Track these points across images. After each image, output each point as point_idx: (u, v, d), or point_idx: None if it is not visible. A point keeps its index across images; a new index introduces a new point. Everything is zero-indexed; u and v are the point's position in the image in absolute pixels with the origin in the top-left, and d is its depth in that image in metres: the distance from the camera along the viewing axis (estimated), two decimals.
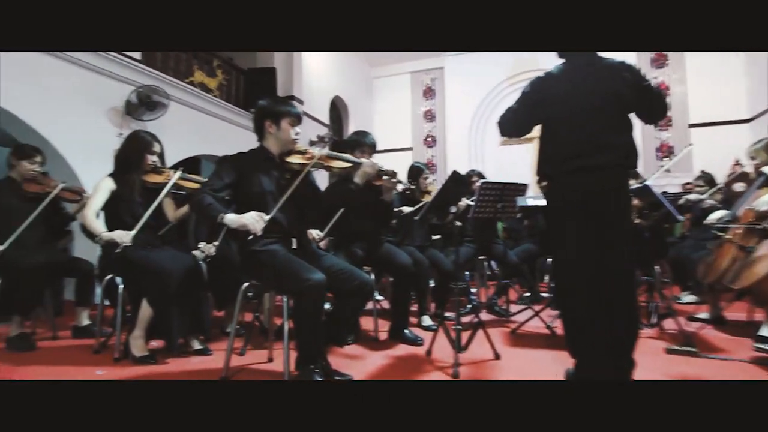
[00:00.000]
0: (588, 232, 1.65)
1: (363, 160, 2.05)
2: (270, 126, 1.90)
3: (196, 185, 2.38)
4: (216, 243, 2.71)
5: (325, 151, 2.01)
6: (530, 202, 2.58)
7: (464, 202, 2.81)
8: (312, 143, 7.19)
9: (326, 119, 7.99)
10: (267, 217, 1.70)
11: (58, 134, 3.72)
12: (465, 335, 2.10)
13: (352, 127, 8.80)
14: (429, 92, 9.62)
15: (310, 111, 7.36)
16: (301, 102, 7.04)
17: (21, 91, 3.44)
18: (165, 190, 2.25)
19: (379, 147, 9.66)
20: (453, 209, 2.05)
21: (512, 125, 1.89)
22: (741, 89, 7.05)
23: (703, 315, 2.93)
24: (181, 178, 2.34)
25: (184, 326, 2.15)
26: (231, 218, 1.68)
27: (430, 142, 9.51)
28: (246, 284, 1.83)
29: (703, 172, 4.48)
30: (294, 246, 1.87)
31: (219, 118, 5.75)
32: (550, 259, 3.51)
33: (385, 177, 2.04)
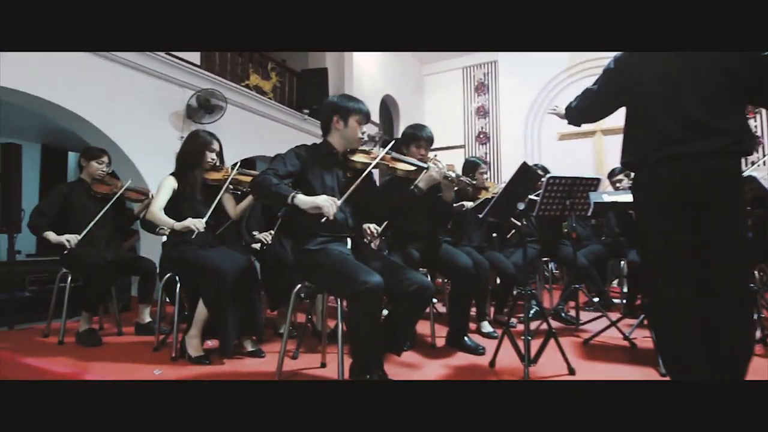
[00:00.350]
0: (689, 231, 1.40)
1: (430, 164, 1.92)
2: (337, 122, 1.82)
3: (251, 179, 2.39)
4: (272, 231, 2.71)
5: (391, 153, 1.90)
6: (606, 198, 2.30)
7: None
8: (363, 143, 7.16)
9: (376, 118, 7.94)
10: (339, 202, 1.62)
11: (125, 137, 3.90)
12: (533, 345, 1.90)
13: (402, 126, 8.69)
14: (481, 87, 9.30)
15: None
16: None
17: (91, 97, 3.64)
18: (225, 185, 2.27)
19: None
20: (521, 206, 1.86)
21: (589, 109, 1.66)
22: None
23: None
24: (239, 173, 2.34)
25: (238, 327, 2.11)
26: (303, 199, 1.60)
27: (483, 138, 9.19)
28: (299, 286, 1.75)
29: None
30: (349, 245, 1.77)
31: (273, 120, 5.84)
32: (624, 263, 3.20)
33: (452, 182, 1.91)
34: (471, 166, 2.98)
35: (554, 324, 2.92)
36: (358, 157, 1.85)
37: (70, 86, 3.50)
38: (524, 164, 1.82)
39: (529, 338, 1.78)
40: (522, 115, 8.52)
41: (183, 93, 4.45)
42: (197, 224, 2.11)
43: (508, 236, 3.94)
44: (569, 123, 1.76)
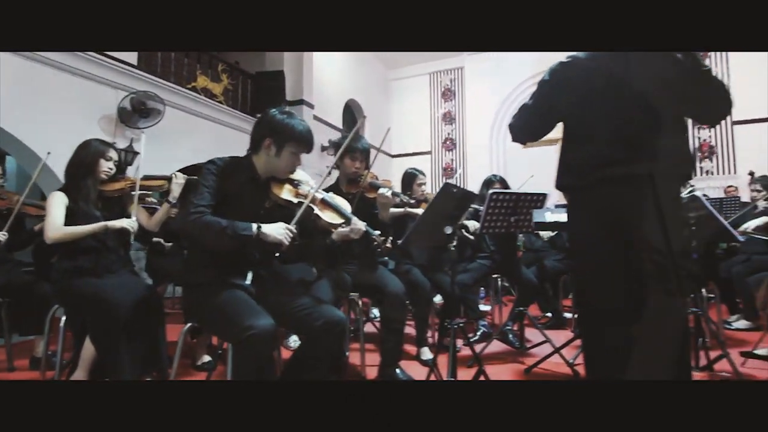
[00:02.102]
0: (623, 257, 1.27)
1: (354, 221, 1.65)
2: (269, 146, 1.52)
3: (162, 182, 2.17)
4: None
5: (321, 194, 1.64)
6: (549, 217, 2.16)
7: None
8: (323, 149, 6.93)
9: (339, 123, 7.72)
10: (293, 228, 1.45)
11: (44, 144, 3.52)
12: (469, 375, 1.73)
13: (368, 131, 8.50)
14: (448, 93, 9.25)
15: (322, 115, 7.10)
16: (311, 106, 6.78)
17: (3, 98, 3.28)
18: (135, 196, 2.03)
19: (396, 151, 9.23)
20: (448, 230, 1.67)
21: (527, 127, 1.53)
22: None
23: (763, 351, 2.42)
24: (145, 179, 2.10)
25: (136, 365, 1.84)
26: (268, 231, 1.41)
27: (450, 145, 9.13)
28: (188, 325, 1.51)
29: (752, 174, 3.91)
30: (249, 279, 1.52)
31: (224, 125, 5.55)
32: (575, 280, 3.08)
33: (374, 243, 1.69)
34: (409, 178, 2.80)
35: (500, 347, 2.78)
36: (283, 192, 1.56)
37: None
38: (445, 185, 1.64)
39: (453, 380, 1.60)
40: (488, 122, 8.50)
41: (116, 95, 4.11)
42: (132, 224, 1.92)
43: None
44: (513, 141, 1.60)
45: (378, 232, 1.69)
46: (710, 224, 2.10)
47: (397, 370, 2.11)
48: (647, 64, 1.25)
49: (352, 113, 8.57)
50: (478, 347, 2.60)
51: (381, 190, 2.04)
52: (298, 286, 1.78)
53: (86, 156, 2.00)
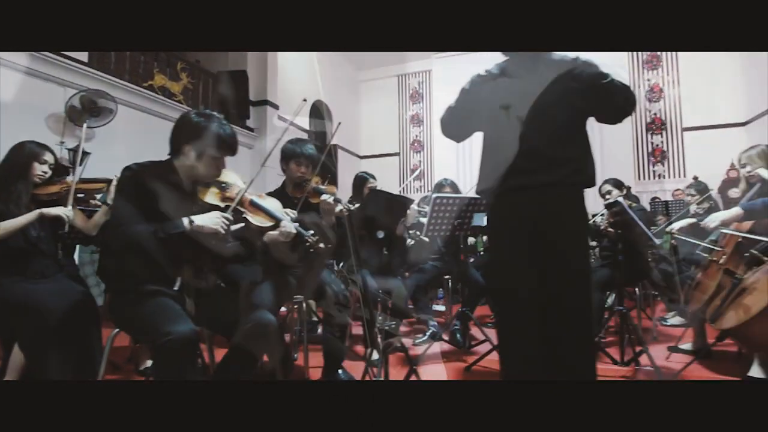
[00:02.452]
0: (532, 263, 1.36)
1: (284, 223, 1.64)
2: (189, 151, 1.48)
3: (101, 185, 2.15)
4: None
5: (251, 196, 1.62)
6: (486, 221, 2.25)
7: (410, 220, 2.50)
8: None
9: (306, 125, 7.69)
10: (229, 216, 1.46)
11: None
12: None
13: (336, 132, 8.49)
14: (416, 96, 9.37)
15: (287, 116, 7.06)
16: (276, 107, 6.74)
17: None
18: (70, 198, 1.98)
19: (365, 152, 9.22)
20: (380, 234, 1.72)
21: (448, 128, 1.62)
22: (737, 91, 6.73)
23: (686, 345, 2.59)
24: (82, 182, 2.07)
25: (67, 372, 1.81)
26: (200, 222, 1.41)
27: (417, 147, 9.25)
28: (116, 330, 1.51)
29: (696, 179, 4.15)
30: (176, 287, 1.51)
31: None
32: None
33: (308, 242, 1.70)
34: (359, 182, 2.84)
35: (448, 346, 2.86)
36: (209, 195, 1.53)
37: None
38: (372, 191, 1.70)
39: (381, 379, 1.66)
40: None
41: (65, 93, 3.98)
42: (67, 212, 1.87)
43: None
44: (443, 134, 1.69)
45: (311, 232, 1.72)
46: (635, 228, 2.25)
47: (340, 371, 2.15)
48: (549, 79, 1.34)
49: (320, 114, 8.55)
50: (423, 347, 2.69)
51: (323, 197, 2.07)
52: (232, 288, 1.80)
53: (19, 158, 1.96)
